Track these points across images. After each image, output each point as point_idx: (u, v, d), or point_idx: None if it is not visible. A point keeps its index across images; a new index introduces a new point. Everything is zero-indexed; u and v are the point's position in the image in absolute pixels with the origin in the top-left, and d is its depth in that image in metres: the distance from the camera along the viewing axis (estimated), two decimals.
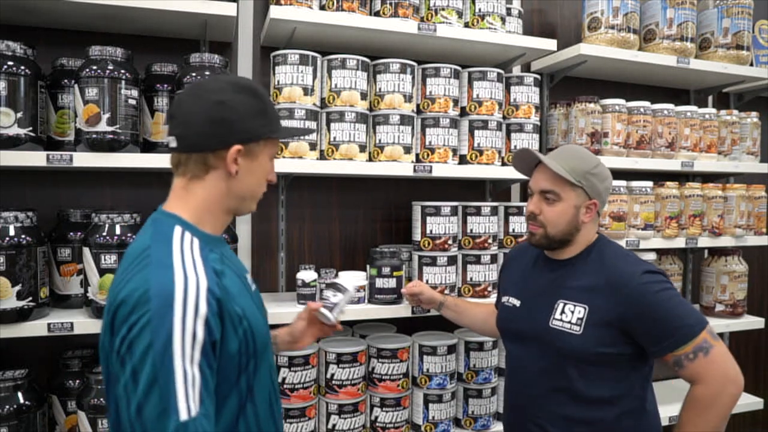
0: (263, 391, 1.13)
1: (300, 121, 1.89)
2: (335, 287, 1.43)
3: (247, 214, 1.21)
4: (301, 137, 1.87)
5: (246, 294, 1.12)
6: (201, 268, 1.00)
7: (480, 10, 2.10)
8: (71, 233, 1.76)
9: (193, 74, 1.72)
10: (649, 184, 2.42)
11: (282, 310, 1.82)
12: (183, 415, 0.89)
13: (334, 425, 1.93)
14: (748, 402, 2.67)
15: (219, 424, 1.03)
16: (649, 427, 1.49)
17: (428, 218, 2.04)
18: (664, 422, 1.70)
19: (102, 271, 1.61)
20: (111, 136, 1.62)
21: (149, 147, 1.79)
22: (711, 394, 1.35)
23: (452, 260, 2.06)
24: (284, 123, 1.83)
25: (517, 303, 1.60)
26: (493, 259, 2.12)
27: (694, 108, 2.54)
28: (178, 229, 1.06)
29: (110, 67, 1.62)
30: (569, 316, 1.45)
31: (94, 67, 1.61)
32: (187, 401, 0.90)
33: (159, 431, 0.88)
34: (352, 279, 1.79)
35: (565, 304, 1.48)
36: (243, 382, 1.08)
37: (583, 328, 1.42)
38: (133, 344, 0.91)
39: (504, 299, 1.66)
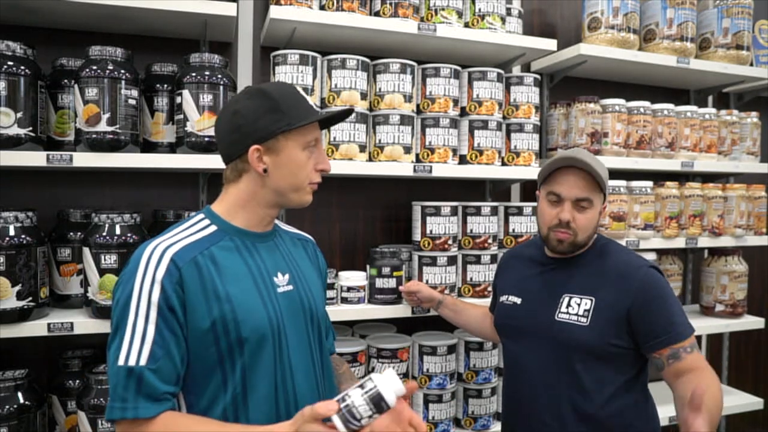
0: (263, 389, 1.12)
1: None
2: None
3: (299, 205, 1.26)
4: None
5: (247, 284, 1.15)
6: (184, 241, 1.12)
7: (480, 10, 2.10)
8: (71, 233, 1.76)
9: (193, 74, 1.71)
10: (649, 184, 2.42)
11: None
12: (120, 362, 1.03)
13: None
14: (748, 402, 2.66)
15: (200, 404, 1.11)
16: (648, 424, 1.50)
17: (428, 218, 2.04)
18: (663, 422, 1.71)
19: (102, 271, 1.61)
20: (111, 136, 1.62)
21: (149, 147, 1.79)
22: (708, 383, 1.37)
23: (452, 260, 2.06)
24: None
25: (518, 300, 1.60)
26: (493, 259, 2.12)
27: (694, 108, 2.54)
28: (199, 217, 1.21)
29: (110, 67, 1.62)
30: (576, 308, 1.46)
31: (94, 67, 1.61)
32: (129, 351, 1.03)
33: (112, 371, 1.04)
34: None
35: (570, 297, 1.49)
36: (229, 372, 1.10)
37: (590, 319, 1.44)
38: (113, 296, 1.12)
39: (503, 298, 1.66)
